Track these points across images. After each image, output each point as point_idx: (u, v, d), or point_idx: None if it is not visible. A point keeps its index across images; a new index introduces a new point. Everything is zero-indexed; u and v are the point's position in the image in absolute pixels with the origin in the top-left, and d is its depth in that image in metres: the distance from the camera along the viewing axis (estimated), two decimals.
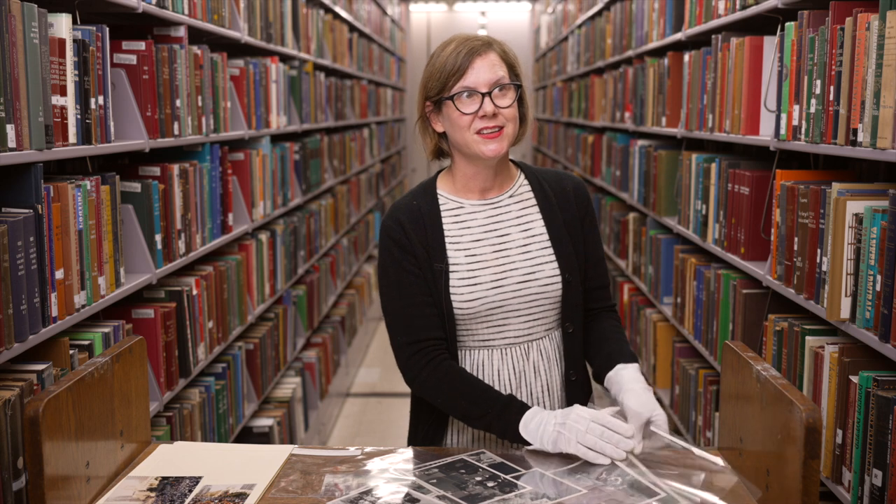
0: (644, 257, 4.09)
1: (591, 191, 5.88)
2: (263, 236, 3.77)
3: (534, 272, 1.90)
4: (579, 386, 1.99)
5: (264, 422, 3.75)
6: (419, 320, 1.89)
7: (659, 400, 3.94)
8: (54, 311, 2.01)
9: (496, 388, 1.91)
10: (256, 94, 3.69)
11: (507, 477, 1.67)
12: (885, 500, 1.84)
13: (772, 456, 1.56)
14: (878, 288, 1.89)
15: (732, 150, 3.35)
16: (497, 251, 1.91)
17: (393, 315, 1.91)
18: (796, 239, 2.28)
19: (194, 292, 2.88)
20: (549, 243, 1.93)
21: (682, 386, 3.40)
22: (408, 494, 1.60)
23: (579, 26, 6.72)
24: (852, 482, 1.96)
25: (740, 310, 2.70)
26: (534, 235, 1.94)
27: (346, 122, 6.02)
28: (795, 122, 2.30)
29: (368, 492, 1.62)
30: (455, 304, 1.88)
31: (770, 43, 2.68)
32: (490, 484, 1.64)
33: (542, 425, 1.76)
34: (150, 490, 1.65)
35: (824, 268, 2.13)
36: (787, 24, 2.39)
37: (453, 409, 1.88)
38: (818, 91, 2.15)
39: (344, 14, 6.01)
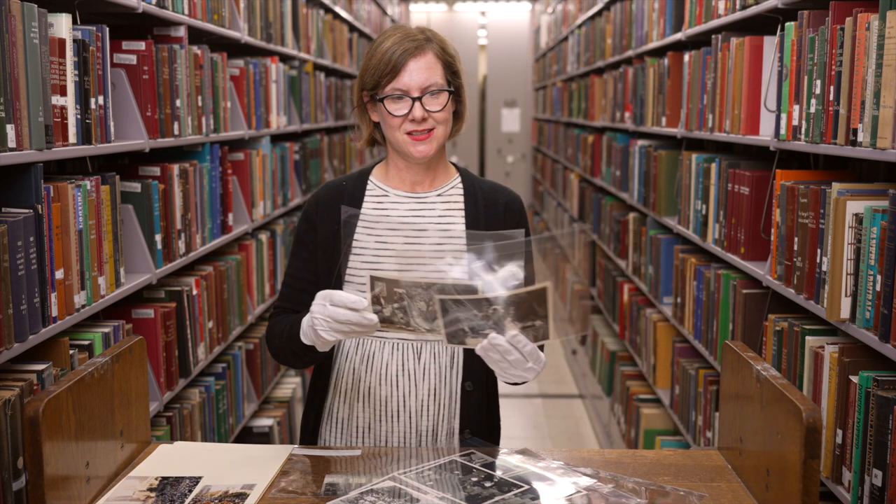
0: (644, 257, 4.09)
1: (591, 191, 5.88)
2: (263, 236, 3.77)
3: (441, 271, 1.86)
4: (477, 397, 1.94)
5: (264, 422, 3.75)
6: (291, 291, 1.95)
7: (659, 400, 3.95)
8: (54, 311, 2.01)
9: (383, 383, 1.92)
10: (256, 94, 3.69)
11: (505, 476, 1.67)
12: (885, 500, 1.84)
13: (772, 456, 1.56)
14: (878, 288, 1.89)
15: (732, 150, 3.35)
16: (409, 243, 1.91)
17: (283, 280, 1.99)
18: (796, 239, 2.28)
19: (194, 292, 2.88)
20: (464, 247, 1.89)
21: (682, 386, 3.40)
22: (408, 495, 1.60)
23: (579, 26, 6.72)
24: (852, 482, 1.96)
25: (740, 310, 2.70)
26: (451, 237, 1.93)
27: (346, 122, 6.02)
28: (795, 122, 2.30)
29: (368, 492, 1.62)
30: (354, 286, 1.89)
31: (770, 43, 2.68)
32: (488, 484, 1.65)
33: (307, 327, 1.74)
34: (150, 490, 1.65)
35: (824, 268, 2.13)
36: (787, 24, 2.39)
37: (282, 351, 1.89)
38: (818, 91, 2.15)
39: (344, 14, 6.01)
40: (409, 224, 1.94)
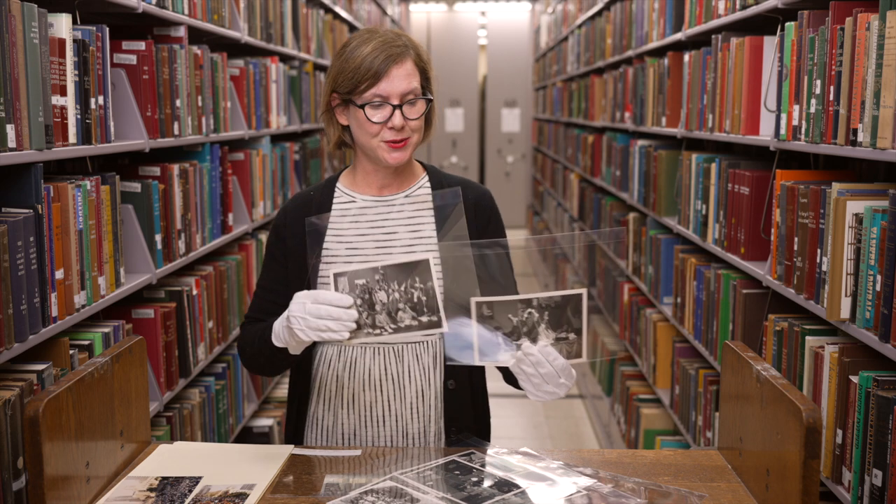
0: (644, 257, 4.09)
1: (591, 191, 5.88)
2: (263, 236, 3.77)
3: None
4: (461, 395, 1.94)
5: (264, 422, 3.75)
6: (262, 302, 1.95)
7: (658, 400, 3.95)
8: (54, 311, 2.01)
9: (366, 389, 1.91)
10: (256, 94, 3.69)
11: (505, 476, 1.67)
12: (885, 500, 1.84)
13: (772, 456, 1.56)
14: (878, 288, 1.89)
15: (732, 150, 3.35)
16: (380, 248, 1.90)
17: (255, 291, 2.00)
18: (796, 239, 2.28)
19: (194, 292, 2.88)
20: (435, 247, 1.90)
21: (682, 386, 3.40)
22: (408, 495, 1.60)
23: (579, 26, 6.72)
24: (852, 482, 1.96)
25: (740, 310, 2.70)
26: (422, 238, 1.91)
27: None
28: (795, 122, 2.31)
29: (368, 492, 1.62)
30: None
31: (770, 43, 2.68)
32: (488, 484, 1.64)
33: (280, 326, 1.77)
34: (150, 490, 1.65)
35: (824, 268, 2.13)
36: (787, 24, 2.39)
37: (251, 355, 1.90)
38: (818, 91, 2.15)
39: (344, 14, 6.01)
40: (379, 228, 1.92)
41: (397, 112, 1.82)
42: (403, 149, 1.86)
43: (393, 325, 1.67)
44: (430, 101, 1.88)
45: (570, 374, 1.67)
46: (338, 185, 1.99)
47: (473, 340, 1.66)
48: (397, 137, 1.84)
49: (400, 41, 1.85)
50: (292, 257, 1.92)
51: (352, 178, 1.98)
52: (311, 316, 1.66)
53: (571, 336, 1.65)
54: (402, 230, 1.92)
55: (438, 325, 1.67)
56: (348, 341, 1.69)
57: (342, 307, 1.66)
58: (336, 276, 1.68)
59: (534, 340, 1.65)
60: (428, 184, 1.98)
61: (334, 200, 1.96)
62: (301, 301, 1.69)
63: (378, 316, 1.67)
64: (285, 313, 1.74)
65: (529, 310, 1.64)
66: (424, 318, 1.67)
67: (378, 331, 1.67)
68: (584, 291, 1.64)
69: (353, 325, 1.66)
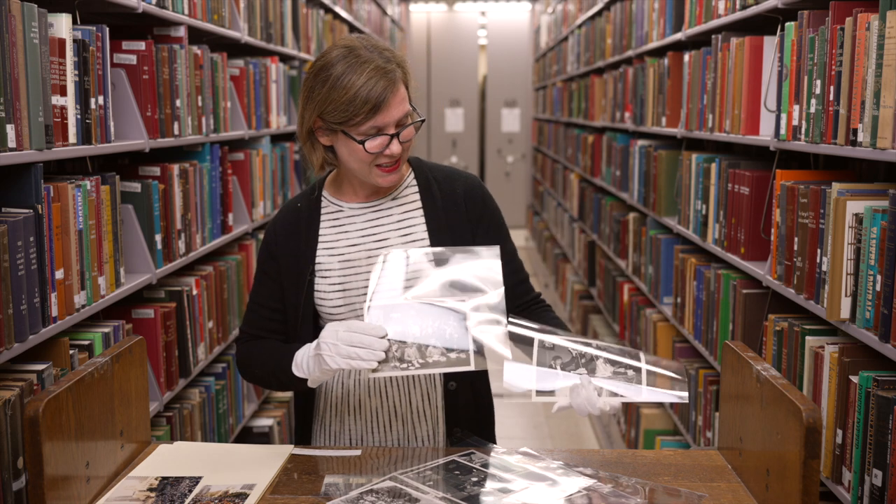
0: (644, 257, 4.09)
1: (591, 191, 5.88)
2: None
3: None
4: (463, 397, 1.92)
5: (264, 422, 3.75)
6: (257, 318, 1.92)
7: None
8: (54, 311, 2.01)
9: (372, 395, 1.90)
10: (256, 94, 3.69)
11: (505, 476, 1.67)
12: (885, 500, 1.84)
13: (772, 456, 1.56)
14: (878, 288, 1.89)
15: (732, 150, 3.35)
16: (372, 256, 1.84)
17: (248, 304, 1.96)
18: (796, 239, 2.28)
19: (194, 292, 2.88)
20: (427, 249, 1.83)
21: None
22: (408, 494, 1.60)
23: (579, 26, 6.72)
24: (852, 482, 1.96)
25: (740, 310, 2.70)
26: (414, 241, 1.87)
27: None
28: (795, 122, 2.31)
29: (368, 492, 1.62)
30: (325, 310, 1.86)
31: (770, 43, 2.68)
32: (488, 484, 1.65)
33: (305, 357, 1.74)
34: (150, 490, 1.65)
35: (824, 268, 2.13)
36: (787, 24, 2.39)
37: (259, 377, 1.89)
38: (818, 91, 2.15)
39: (344, 14, 6.01)
40: (370, 236, 1.88)
41: (395, 141, 1.77)
42: (398, 170, 1.82)
43: (421, 360, 1.65)
44: (421, 122, 1.83)
45: (618, 407, 1.65)
46: (323, 192, 1.94)
47: (532, 377, 1.67)
48: (392, 161, 1.80)
49: (389, 64, 1.76)
50: (285, 273, 1.89)
51: (337, 187, 1.93)
52: (342, 343, 1.65)
53: (630, 372, 1.64)
54: (393, 235, 1.88)
55: (466, 363, 1.66)
56: (374, 372, 1.66)
57: (376, 336, 1.65)
58: (371, 308, 1.67)
59: (592, 372, 1.65)
60: (414, 182, 1.93)
61: (322, 210, 1.92)
62: (334, 329, 1.67)
63: (407, 350, 1.66)
64: (312, 343, 1.73)
65: (583, 352, 1.67)
66: (453, 355, 1.66)
67: (405, 365, 1.66)
68: (641, 353, 1.67)
69: (383, 356, 1.64)
